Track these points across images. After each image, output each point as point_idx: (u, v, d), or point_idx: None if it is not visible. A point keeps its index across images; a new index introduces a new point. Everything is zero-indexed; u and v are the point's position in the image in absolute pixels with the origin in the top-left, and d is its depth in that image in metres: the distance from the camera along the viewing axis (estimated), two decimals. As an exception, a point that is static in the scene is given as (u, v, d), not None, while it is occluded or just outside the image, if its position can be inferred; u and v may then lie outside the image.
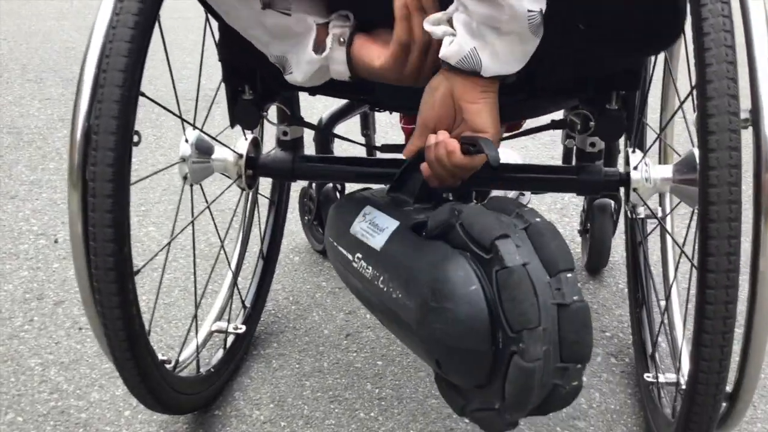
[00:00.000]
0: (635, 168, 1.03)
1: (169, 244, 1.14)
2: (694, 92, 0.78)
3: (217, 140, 1.11)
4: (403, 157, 0.93)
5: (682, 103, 0.93)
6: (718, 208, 0.74)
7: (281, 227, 1.50)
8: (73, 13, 4.38)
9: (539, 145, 2.28)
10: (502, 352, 0.70)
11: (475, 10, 0.76)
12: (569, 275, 0.70)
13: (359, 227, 0.89)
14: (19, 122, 2.53)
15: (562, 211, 1.85)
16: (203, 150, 1.11)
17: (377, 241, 0.85)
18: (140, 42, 0.84)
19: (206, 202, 1.19)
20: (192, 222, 1.15)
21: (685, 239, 1.03)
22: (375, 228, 0.87)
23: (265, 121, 1.16)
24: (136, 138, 0.86)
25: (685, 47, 1.06)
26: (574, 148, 1.43)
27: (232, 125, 1.09)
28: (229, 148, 1.12)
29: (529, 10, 0.75)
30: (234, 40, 0.96)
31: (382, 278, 0.82)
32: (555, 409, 0.75)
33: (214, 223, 1.31)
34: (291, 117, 1.13)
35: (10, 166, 2.17)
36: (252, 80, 1.03)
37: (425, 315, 0.74)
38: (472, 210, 0.76)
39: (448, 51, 0.79)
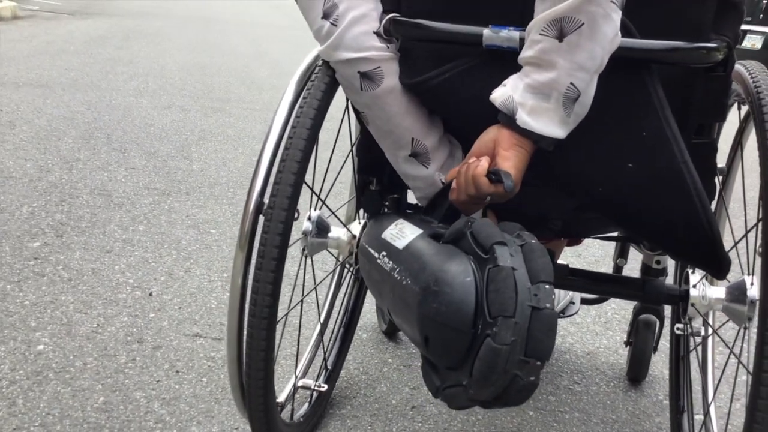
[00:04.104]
0: (694, 286, 1.21)
1: (285, 315, 1.33)
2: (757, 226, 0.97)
3: (340, 220, 1.31)
4: None
5: (746, 233, 1.12)
6: None
7: (363, 301, 1.69)
8: (150, 93, 4.74)
9: (584, 264, 2.47)
10: (479, 337, 0.85)
11: (529, 73, 0.94)
12: (547, 286, 0.85)
13: (389, 233, 1.07)
14: (109, 186, 2.78)
15: (605, 325, 2.02)
16: (322, 228, 1.32)
17: (401, 243, 1.02)
18: (313, 139, 1.06)
19: (314, 281, 1.39)
20: (302, 300, 1.34)
21: (732, 348, 1.20)
22: (402, 234, 1.04)
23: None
24: (296, 215, 1.06)
25: (743, 181, 1.27)
26: (623, 267, 1.63)
27: (357, 210, 1.29)
28: (347, 228, 1.32)
29: (571, 83, 0.92)
30: (371, 142, 1.17)
31: (398, 269, 0.99)
32: (512, 400, 0.88)
33: (317, 302, 1.51)
34: (404, 205, 1.33)
35: (104, 224, 2.39)
36: (380, 175, 1.24)
37: (426, 297, 0.89)
38: (482, 222, 0.94)
39: (495, 93, 0.97)
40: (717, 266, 1.06)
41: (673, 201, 1.01)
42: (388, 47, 1.07)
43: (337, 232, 1.33)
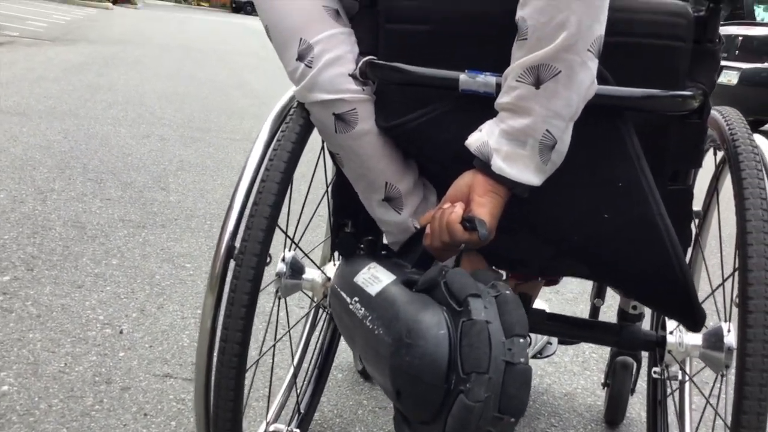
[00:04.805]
0: (671, 332, 1.20)
1: (256, 362, 1.30)
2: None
3: (314, 263, 1.29)
4: None
5: (723, 282, 1.12)
6: (752, 374, 0.90)
7: (337, 342, 1.66)
8: (129, 121, 4.71)
9: (563, 301, 2.46)
10: (452, 392, 0.83)
11: (505, 119, 0.92)
12: (522, 340, 0.83)
13: (362, 277, 1.04)
14: (83, 217, 2.74)
15: (583, 365, 2.00)
16: (296, 269, 1.29)
17: (373, 289, 0.99)
18: (287, 182, 1.04)
19: (288, 323, 1.37)
20: (274, 345, 1.31)
21: (708, 398, 1.19)
22: (375, 279, 1.01)
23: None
24: (268, 260, 1.04)
25: (719, 227, 1.26)
26: (601, 307, 1.62)
27: (332, 252, 1.27)
28: (321, 270, 1.30)
29: (547, 130, 0.91)
30: (346, 183, 1.16)
31: (370, 317, 0.96)
32: None
33: (291, 344, 1.48)
34: (380, 248, 1.31)
35: (76, 257, 2.34)
36: (355, 218, 1.22)
37: (399, 348, 0.87)
38: (456, 272, 0.91)
39: (470, 139, 0.95)
40: (692, 319, 1.05)
41: (647, 252, 1.00)
42: (363, 89, 1.06)
43: (311, 273, 1.31)
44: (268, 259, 1.05)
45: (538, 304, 1.89)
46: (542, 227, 1.05)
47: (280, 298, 1.30)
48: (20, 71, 6.38)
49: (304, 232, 1.34)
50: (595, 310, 1.70)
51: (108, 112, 4.92)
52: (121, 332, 1.87)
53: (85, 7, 17.86)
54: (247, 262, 1.01)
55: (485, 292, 0.88)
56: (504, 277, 1.41)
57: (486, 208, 0.96)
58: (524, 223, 1.05)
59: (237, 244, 1.04)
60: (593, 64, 0.90)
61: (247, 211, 1.05)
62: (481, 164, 0.95)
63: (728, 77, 7.68)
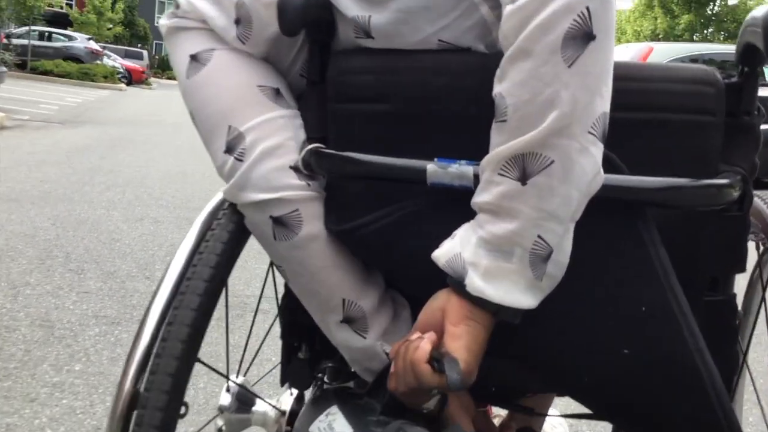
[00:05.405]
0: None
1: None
2: None
3: (260, 397, 1.04)
4: None
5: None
6: None
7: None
8: (125, 204, 4.54)
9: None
10: None
11: (484, 224, 0.70)
12: None
13: (317, 426, 0.83)
14: (53, 315, 2.51)
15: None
16: (244, 401, 1.05)
17: None
18: (207, 307, 0.81)
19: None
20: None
21: None
22: (330, 430, 0.80)
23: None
24: (183, 410, 0.80)
25: None
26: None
27: (282, 383, 1.03)
28: (270, 404, 1.05)
29: (540, 236, 0.68)
30: (297, 300, 0.92)
31: None
32: None
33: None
34: (345, 375, 1.07)
35: (36, 363, 2.11)
36: (310, 340, 0.98)
37: None
38: None
39: (439, 250, 0.73)
40: None
41: (681, 397, 0.75)
42: (308, 185, 0.84)
43: (263, 406, 1.06)
44: (182, 410, 0.81)
45: (559, 423, 1.62)
46: (533, 359, 0.80)
47: (225, 438, 1.05)
48: (22, 155, 6.29)
49: (254, 359, 1.10)
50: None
51: (104, 195, 4.77)
52: (67, 459, 1.62)
53: (98, 89, 18.11)
54: (148, 420, 0.76)
55: None
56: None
57: (462, 341, 0.71)
58: (515, 358, 0.80)
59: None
60: (597, 150, 0.68)
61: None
62: (455, 283, 0.72)
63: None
